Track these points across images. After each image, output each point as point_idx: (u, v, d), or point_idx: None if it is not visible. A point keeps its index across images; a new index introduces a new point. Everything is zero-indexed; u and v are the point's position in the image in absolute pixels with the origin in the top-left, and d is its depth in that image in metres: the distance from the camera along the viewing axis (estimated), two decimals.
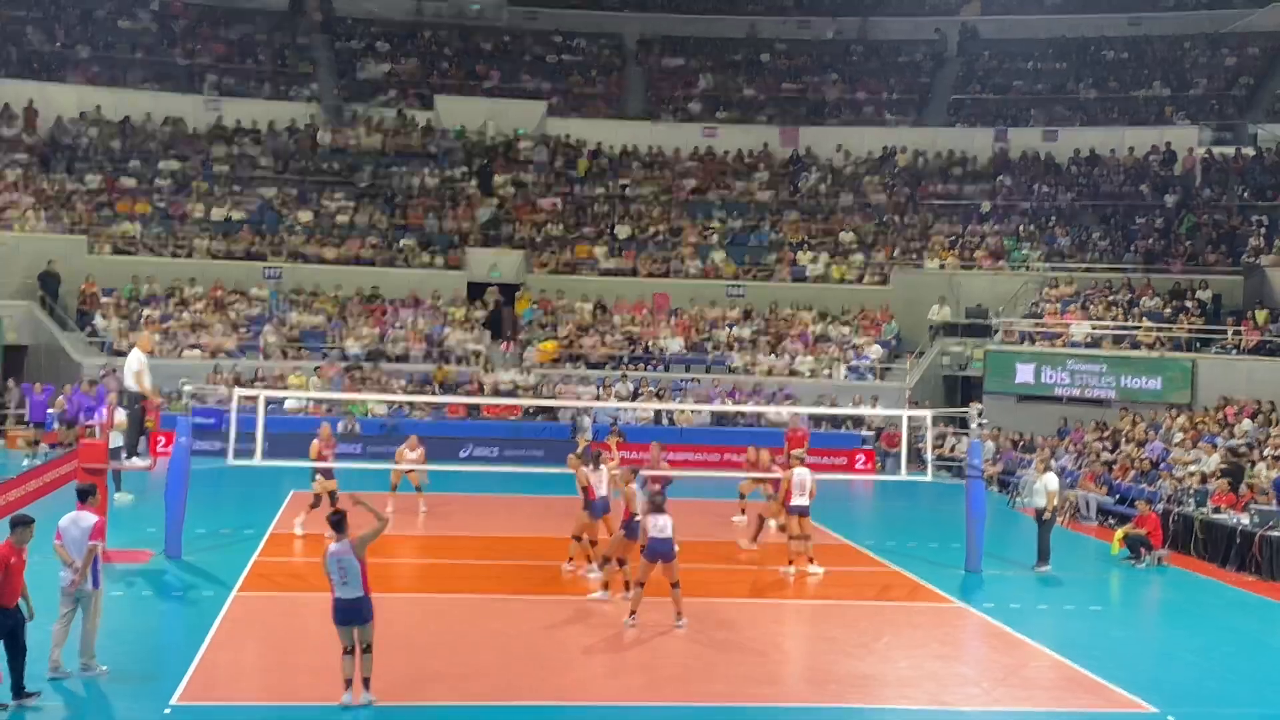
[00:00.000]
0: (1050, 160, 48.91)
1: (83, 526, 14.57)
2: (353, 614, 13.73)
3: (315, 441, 23.98)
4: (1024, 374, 38.97)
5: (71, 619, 14.35)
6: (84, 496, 15.23)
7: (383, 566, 18.42)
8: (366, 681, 13.67)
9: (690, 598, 18.32)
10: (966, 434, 26.70)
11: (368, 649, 13.70)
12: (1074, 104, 51.31)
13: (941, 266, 44.70)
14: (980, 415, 24.76)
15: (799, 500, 22.12)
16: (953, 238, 46.12)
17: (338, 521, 13.96)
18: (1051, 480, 24.29)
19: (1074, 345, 39.17)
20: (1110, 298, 40.87)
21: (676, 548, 17.99)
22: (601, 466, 21.45)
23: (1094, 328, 39.55)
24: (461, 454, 35.63)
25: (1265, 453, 28.59)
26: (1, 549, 13.43)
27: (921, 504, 32.04)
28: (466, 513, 28.00)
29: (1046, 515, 23.84)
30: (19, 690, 13.30)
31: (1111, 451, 32.97)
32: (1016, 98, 52.31)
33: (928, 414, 28.09)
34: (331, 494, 23.25)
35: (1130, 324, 39.23)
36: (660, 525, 17.88)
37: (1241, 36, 51.76)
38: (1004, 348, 39.90)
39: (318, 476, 23.71)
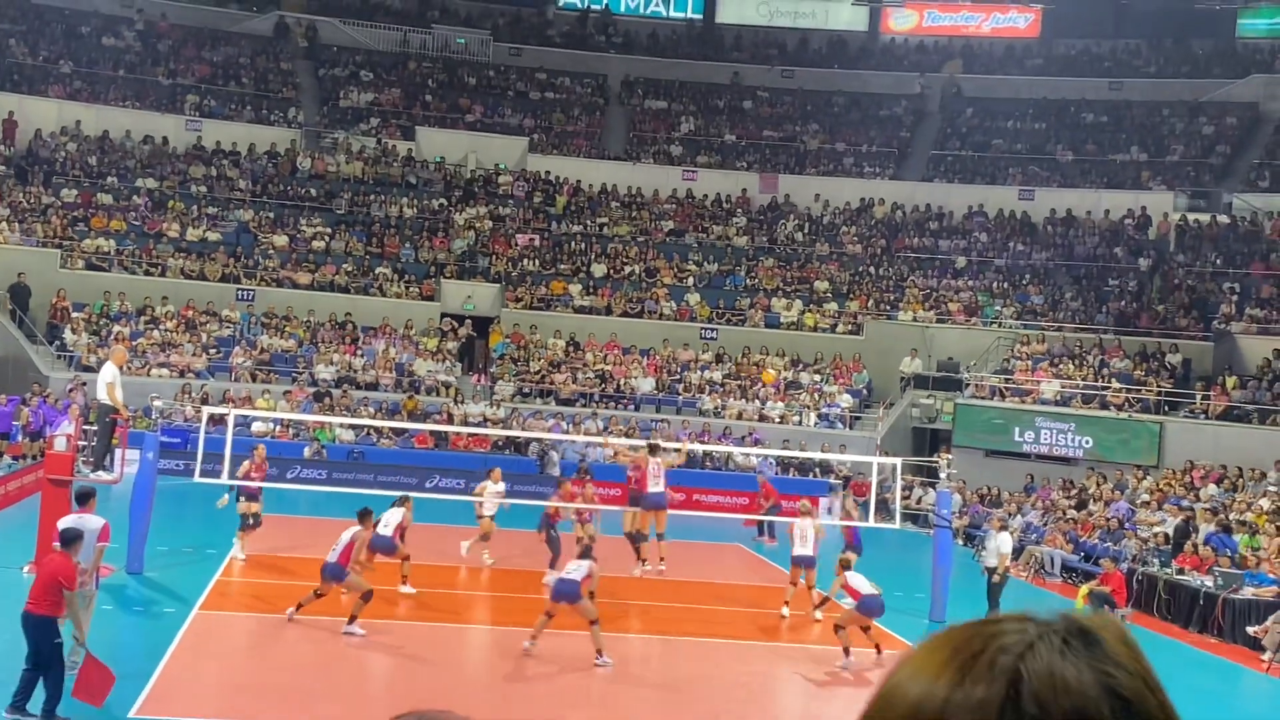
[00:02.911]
0: (1026, 219, 49.19)
1: (90, 529, 14.55)
2: (328, 573, 18.13)
3: (246, 462, 23.89)
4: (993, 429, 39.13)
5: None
6: (83, 499, 15.19)
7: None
8: (352, 617, 18.14)
9: (655, 635, 18.23)
10: (934, 485, 26.70)
11: (366, 596, 18.09)
12: (1052, 165, 51.66)
13: (915, 319, 44.84)
14: (949, 466, 24.74)
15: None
16: (927, 291, 46.31)
17: (365, 513, 19.36)
18: (1005, 541, 23.68)
19: (1043, 403, 39.32)
20: (1081, 357, 41.09)
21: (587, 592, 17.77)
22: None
23: (1064, 387, 39.72)
24: (428, 484, 35.44)
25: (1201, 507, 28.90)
26: (62, 563, 13.20)
27: (887, 553, 31.95)
28: (431, 542, 27.81)
29: (996, 578, 23.04)
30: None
31: (1078, 510, 33.06)
32: (995, 156, 52.64)
33: (897, 462, 28.11)
34: (255, 515, 23.19)
35: (1100, 384, 39.42)
36: (571, 567, 17.72)
37: (1220, 106, 52.25)
38: (974, 402, 40.03)
39: (241, 497, 23.63)
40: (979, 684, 1.01)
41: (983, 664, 1.02)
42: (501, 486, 26.43)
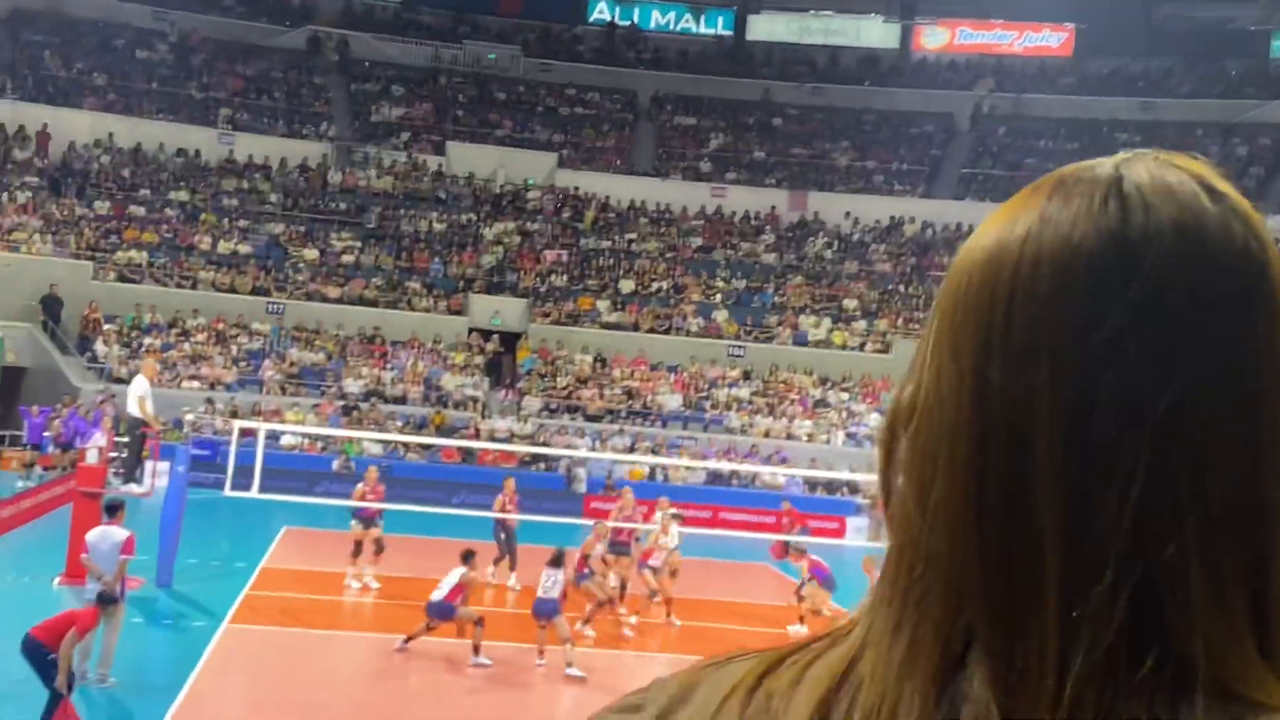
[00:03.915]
0: None
1: (113, 541, 14.73)
2: (435, 611, 17.72)
3: (360, 485, 23.74)
4: None
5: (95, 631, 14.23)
6: (112, 511, 15.35)
7: (347, 604, 18.27)
8: (476, 648, 17.62)
9: (671, 654, 18.18)
10: None
11: (479, 622, 17.61)
12: None
13: None
14: None
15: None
16: None
17: (467, 554, 18.16)
18: None
19: None
20: None
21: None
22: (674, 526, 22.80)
23: None
24: (454, 500, 35.42)
25: None
26: (90, 619, 13.28)
27: None
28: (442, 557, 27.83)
29: None
30: None
31: None
32: (1027, 175, 52.08)
33: None
34: (377, 541, 22.76)
35: None
36: (548, 583, 17.62)
37: (1253, 127, 52.03)
38: None
39: (353, 523, 23.25)
40: (1074, 196, 0.91)
41: (1077, 181, 0.92)
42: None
